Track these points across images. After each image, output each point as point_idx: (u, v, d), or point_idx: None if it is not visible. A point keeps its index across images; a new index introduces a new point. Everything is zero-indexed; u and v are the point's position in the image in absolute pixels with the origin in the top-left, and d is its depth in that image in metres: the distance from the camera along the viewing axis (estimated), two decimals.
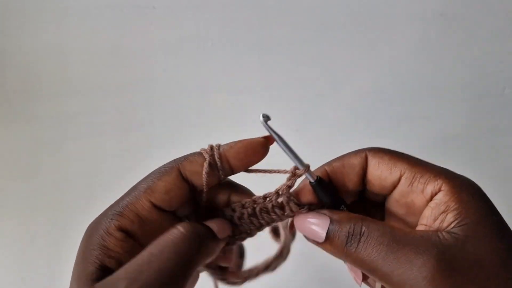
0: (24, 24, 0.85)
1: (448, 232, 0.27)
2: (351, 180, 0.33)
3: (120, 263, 0.29)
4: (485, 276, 0.26)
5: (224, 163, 0.33)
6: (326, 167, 0.34)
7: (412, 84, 0.80)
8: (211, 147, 0.33)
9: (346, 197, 0.35)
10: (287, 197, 0.33)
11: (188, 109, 0.80)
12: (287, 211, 0.34)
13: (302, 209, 0.34)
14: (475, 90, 0.81)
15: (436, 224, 0.28)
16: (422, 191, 0.30)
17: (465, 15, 0.82)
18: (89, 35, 0.84)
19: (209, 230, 0.31)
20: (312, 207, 0.34)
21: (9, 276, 0.73)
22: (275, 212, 0.34)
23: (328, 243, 0.31)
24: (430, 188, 0.30)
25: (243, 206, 0.35)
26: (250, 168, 0.35)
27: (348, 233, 0.29)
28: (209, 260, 0.31)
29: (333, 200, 0.33)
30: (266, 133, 0.33)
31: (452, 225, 0.27)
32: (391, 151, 0.33)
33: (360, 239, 0.28)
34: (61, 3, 0.84)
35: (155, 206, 0.32)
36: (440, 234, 0.27)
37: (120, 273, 0.27)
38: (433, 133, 0.79)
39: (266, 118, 0.32)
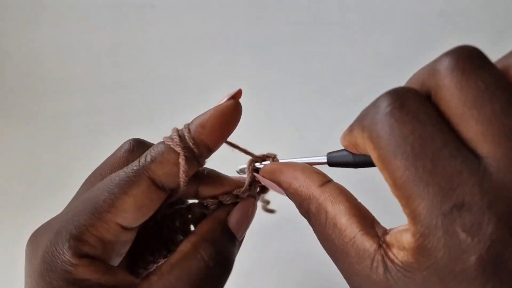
0: (24, 24, 0.85)
1: (385, 263, 0.21)
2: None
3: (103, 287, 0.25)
4: None
5: (201, 148, 0.27)
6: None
7: None
8: (179, 135, 0.27)
9: None
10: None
11: (187, 108, 0.80)
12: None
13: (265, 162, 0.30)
14: None
15: (393, 241, 0.21)
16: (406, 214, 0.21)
17: (465, 13, 0.82)
18: (89, 34, 0.84)
19: (233, 240, 0.28)
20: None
21: (9, 275, 0.73)
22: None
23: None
24: (407, 220, 0.21)
25: (220, 203, 0.30)
26: (230, 142, 0.31)
27: (303, 215, 0.26)
28: None
29: None
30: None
31: (396, 261, 0.20)
32: (387, 143, 0.20)
33: (310, 219, 0.25)
34: (61, 3, 0.84)
35: (123, 227, 0.26)
36: (375, 261, 0.21)
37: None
38: None
39: (243, 172, 0.31)
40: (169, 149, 0.27)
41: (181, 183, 0.27)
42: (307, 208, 0.25)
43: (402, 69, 0.83)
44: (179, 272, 0.25)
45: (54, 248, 0.25)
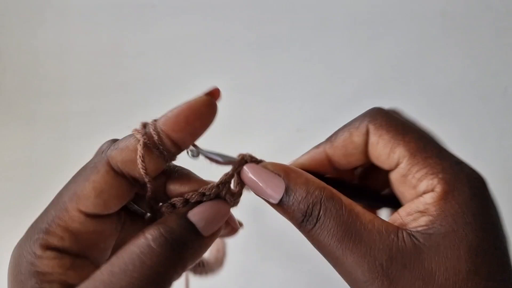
0: (24, 24, 0.85)
1: (410, 234, 0.25)
2: (357, 160, 0.30)
3: (66, 285, 0.24)
4: None
5: (164, 139, 0.26)
6: (327, 150, 0.30)
7: (413, 84, 0.80)
8: (144, 124, 0.27)
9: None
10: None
11: None
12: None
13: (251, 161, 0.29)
14: (476, 90, 0.80)
15: (407, 219, 0.26)
16: (415, 187, 0.26)
17: (467, 13, 0.81)
18: (89, 34, 0.84)
19: (190, 229, 0.26)
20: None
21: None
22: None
23: (281, 210, 0.27)
24: (423, 186, 0.26)
25: (186, 201, 0.28)
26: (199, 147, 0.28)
27: (306, 213, 0.26)
28: (193, 264, 0.26)
29: None
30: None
31: (419, 228, 0.25)
32: (396, 125, 0.28)
33: (315, 223, 0.26)
34: (61, 3, 0.84)
35: (87, 214, 0.25)
36: (400, 234, 0.25)
37: None
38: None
39: (195, 151, 0.28)
40: (130, 136, 0.26)
41: (140, 170, 0.26)
42: (318, 196, 0.26)
43: (402, 69, 0.83)
44: (124, 254, 0.24)
45: (23, 243, 0.25)
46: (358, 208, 0.26)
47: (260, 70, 0.82)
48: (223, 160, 0.29)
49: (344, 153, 0.30)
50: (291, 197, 0.26)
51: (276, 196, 0.27)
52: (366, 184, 0.34)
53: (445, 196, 0.25)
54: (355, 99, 0.80)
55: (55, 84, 0.83)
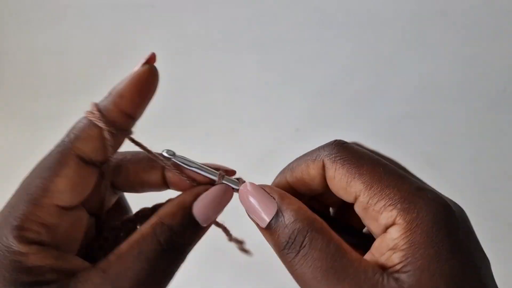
0: (24, 24, 0.85)
1: (393, 277, 0.23)
2: (315, 190, 0.30)
3: (62, 272, 0.25)
4: None
5: (122, 118, 0.27)
6: (288, 178, 0.31)
7: (413, 83, 0.80)
8: (98, 109, 0.26)
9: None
10: None
11: (187, 108, 0.80)
12: None
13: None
14: (476, 89, 0.80)
15: (382, 259, 0.25)
16: (376, 220, 0.25)
17: (467, 14, 0.81)
18: (88, 34, 0.84)
19: (194, 226, 0.27)
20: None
21: None
22: None
23: (267, 233, 0.26)
24: (384, 219, 0.25)
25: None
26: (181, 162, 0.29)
27: (289, 238, 0.25)
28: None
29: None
30: None
31: (397, 267, 0.24)
32: (351, 157, 0.27)
33: (299, 251, 0.25)
34: (60, 2, 0.84)
35: (64, 207, 0.26)
36: (385, 276, 0.23)
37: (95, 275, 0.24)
38: (433, 133, 0.79)
39: (171, 153, 0.29)
40: (91, 124, 0.26)
41: (109, 155, 0.27)
42: (307, 224, 0.25)
43: (402, 69, 0.83)
44: (136, 251, 0.25)
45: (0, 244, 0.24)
46: (346, 245, 0.25)
47: (259, 70, 0.82)
48: (203, 172, 0.29)
49: (302, 184, 0.30)
50: (279, 220, 0.26)
51: (266, 218, 0.26)
52: (347, 221, 0.33)
53: (409, 227, 0.24)
54: (355, 99, 0.80)
55: (55, 84, 0.83)
